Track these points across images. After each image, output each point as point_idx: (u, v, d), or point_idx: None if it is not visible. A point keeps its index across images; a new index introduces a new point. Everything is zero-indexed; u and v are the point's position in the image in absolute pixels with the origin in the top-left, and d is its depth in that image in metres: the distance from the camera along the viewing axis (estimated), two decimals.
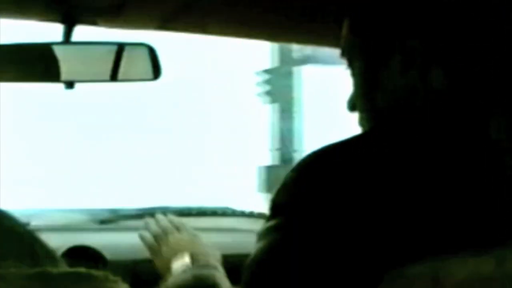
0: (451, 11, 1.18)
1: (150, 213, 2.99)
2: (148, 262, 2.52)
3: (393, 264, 1.08)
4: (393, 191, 1.13)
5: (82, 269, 0.83)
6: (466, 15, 1.18)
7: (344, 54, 1.27)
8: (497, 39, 1.18)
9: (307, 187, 1.16)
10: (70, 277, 0.81)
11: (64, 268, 0.88)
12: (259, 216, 2.84)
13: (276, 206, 1.20)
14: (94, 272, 0.83)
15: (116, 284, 0.84)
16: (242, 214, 2.95)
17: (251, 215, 2.93)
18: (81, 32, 1.98)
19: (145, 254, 2.56)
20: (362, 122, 1.27)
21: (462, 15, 1.18)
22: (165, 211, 2.99)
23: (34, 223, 2.10)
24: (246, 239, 2.59)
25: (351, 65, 1.26)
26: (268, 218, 1.21)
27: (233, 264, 2.50)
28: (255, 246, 1.20)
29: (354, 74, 1.26)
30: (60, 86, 2.04)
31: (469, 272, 1.09)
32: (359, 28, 1.24)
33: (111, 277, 0.84)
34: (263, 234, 1.19)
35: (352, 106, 1.27)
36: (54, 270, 0.82)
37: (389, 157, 1.16)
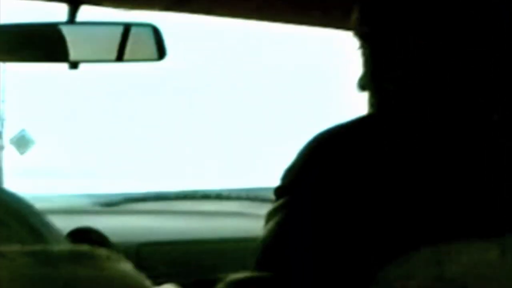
0: (453, 7, 1.18)
1: (154, 197, 3.00)
2: (152, 245, 2.52)
3: (397, 248, 1.08)
4: (396, 173, 1.13)
5: (85, 247, 0.82)
6: (467, 11, 1.18)
7: (355, 35, 1.27)
8: (496, 37, 1.18)
9: (312, 168, 1.17)
10: (71, 254, 0.80)
11: (66, 246, 0.87)
12: (264, 199, 2.83)
13: (282, 188, 1.21)
14: (96, 250, 0.82)
15: (119, 262, 0.83)
16: (247, 198, 2.95)
17: (255, 198, 2.92)
18: (86, 12, 1.97)
19: (149, 237, 2.56)
20: (371, 102, 1.26)
21: (463, 11, 1.18)
22: (168, 195, 2.99)
23: (38, 205, 2.09)
24: (251, 223, 2.59)
25: (361, 46, 1.26)
26: (275, 200, 1.22)
27: (238, 248, 2.51)
28: (264, 228, 1.21)
29: (364, 54, 1.25)
30: (64, 66, 2.04)
31: (473, 257, 1.08)
32: (367, 16, 1.24)
33: (114, 255, 0.83)
34: (270, 215, 1.21)
35: (362, 86, 1.27)
36: (56, 248, 0.81)
37: (392, 141, 1.16)
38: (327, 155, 1.17)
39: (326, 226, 1.14)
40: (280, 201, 1.20)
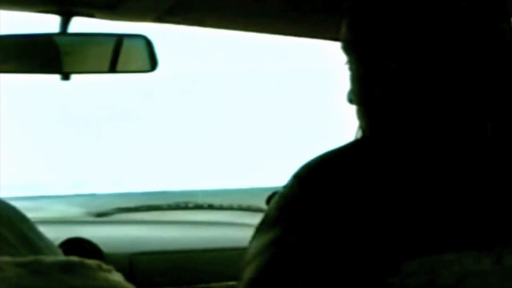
0: (445, 14, 1.18)
1: (146, 207, 2.99)
2: (144, 255, 2.52)
3: (391, 269, 1.08)
4: (390, 198, 1.12)
5: (76, 258, 0.83)
6: (463, 18, 1.18)
7: (343, 48, 1.27)
8: (489, 47, 1.18)
9: (304, 198, 1.14)
10: (63, 265, 0.81)
11: (58, 257, 0.88)
12: (256, 210, 2.83)
13: (273, 217, 1.16)
14: (87, 261, 0.82)
15: (110, 273, 0.83)
16: (239, 208, 2.94)
17: (248, 209, 2.92)
18: (78, 24, 1.98)
19: (142, 247, 2.56)
20: (359, 115, 1.26)
21: (460, 17, 1.18)
22: (161, 205, 2.99)
23: (30, 215, 2.09)
24: (243, 233, 2.59)
25: (348, 60, 1.25)
26: (262, 228, 1.17)
27: (230, 257, 2.51)
28: (250, 262, 1.15)
29: (351, 69, 1.25)
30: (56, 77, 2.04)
31: (466, 267, 1.08)
32: (355, 27, 1.23)
33: (104, 266, 0.83)
34: (259, 251, 1.14)
35: (350, 99, 1.27)
36: (48, 259, 0.82)
37: (385, 164, 1.15)
38: (319, 184, 1.14)
39: (320, 260, 1.11)
40: (271, 234, 1.14)
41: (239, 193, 3.18)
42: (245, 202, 2.90)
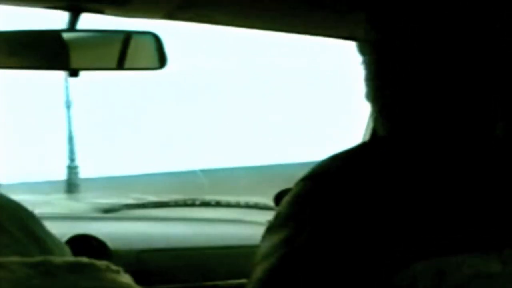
0: (454, 12, 1.18)
1: (153, 204, 3.00)
2: (151, 252, 2.53)
3: (400, 270, 1.08)
4: (400, 199, 1.12)
5: (84, 259, 0.82)
6: (478, 24, 1.18)
7: (358, 48, 1.27)
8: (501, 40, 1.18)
9: (315, 197, 1.14)
10: (71, 266, 0.81)
11: (66, 257, 0.88)
12: (263, 207, 2.84)
13: (283, 216, 1.16)
14: (96, 262, 0.82)
15: (118, 274, 0.83)
16: (246, 206, 2.95)
17: (255, 206, 2.93)
18: (87, 20, 1.98)
19: (149, 243, 2.57)
20: (372, 114, 1.26)
21: (473, 23, 1.18)
22: (168, 202, 3.00)
23: (37, 211, 2.10)
24: (250, 230, 2.59)
25: (363, 60, 1.25)
26: (273, 228, 1.16)
27: (237, 255, 2.51)
28: (260, 262, 1.14)
29: (365, 69, 1.25)
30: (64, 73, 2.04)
31: (476, 269, 1.08)
32: (370, 27, 1.24)
33: (113, 267, 0.83)
34: (269, 251, 1.14)
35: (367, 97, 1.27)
36: (56, 260, 0.82)
37: (396, 164, 1.15)
38: (331, 184, 1.15)
39: (331, 258, 1.10)
40: (281, 234, 1.13)
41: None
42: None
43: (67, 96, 11.48)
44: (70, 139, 11.70)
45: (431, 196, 1.12)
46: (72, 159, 11.64)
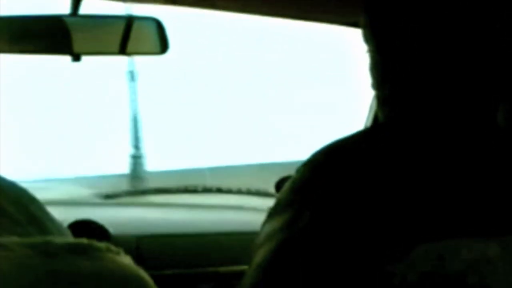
0: (464, 15, 1.18)
1: (155, 190, 3.01)
2: (151, 238, 2.53)
3: (400, 245, 1.08)
4: (400, 184, 1.12)
5: (85, 240, 0.83)
6: (480, 20, 1.18)
7: (363, 36, 1.27)
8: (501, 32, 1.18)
9: (316, 182, 1.14)
10: (71, 247, 0.81)
11: (66, 238, 0.88)
12: (265, 194, 2.84)
13: (284, 201, 1.16)
14: (96, 243, 0.82)
15: (118, 255, 0.83)
16: (248, 192, 2.95)
17: (257, 193, 2.93)
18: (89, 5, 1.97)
19: (149, 229, 2.57)
20: (376, 101, 1.26)
21: (475, 20, 1.18)
22: (169, 188, 3.00)
23: (39, 196, 2.10)
24: (251, 216, 2.59)
25: (368, 48, 1.25)
26: (274, 213, 1.17)
27: (238, 241, 2.51)
28: (260, 247, 1.14)
29: (369, 57, 1.25)
30: (67, 58, 2.04)
31: (474, 254, 1.08)
32: (373, 16, 1.24)
33: (113, 248, 0.83)
34: (270, 235, 1.14)
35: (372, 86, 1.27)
36: (57, 240, 0.82)
37: (396, 151, 1.15)
38: (332, 170, 1.14)
39: (331, 244, 1.10)
40: (281, 218, 1.13)
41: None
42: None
43: (131, 65, 8.67)
44: (135, 121, 9.05)
45: (431, 181, 1.12)
46: (137, 146, 9.15)
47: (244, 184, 2.99)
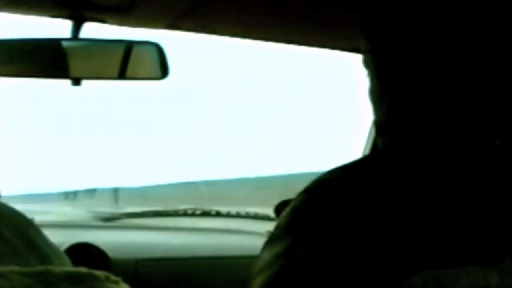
0: (452, 22, 1.18)
1: (153, 213, 3.00)
2: (150, 261, 2.52)
3: (399, 273, 1.08)
4: (398, 212, 1.12)
5: (84, 269, 0.82)
6: (480, 34, 1.18)
7: (363, 62, 1.27)
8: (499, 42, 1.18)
9: (314, 210, 1.14)
10: (71, 276, 0.81)
11: (66, 267, 0.88)
12: (263, 218, 2.83)
13: (283, 229, 1.16)
14: (95, 272, 0.82)
15: (117, 285, 0.83)
16: (246, 216, 2.95)
17: (256, 217, 2.93)
18: (90, 29, 1.98)
19: (148, 253, 2.56)
20: (375, 126, 1.27)
21: (474, 34, 1.18)
22: (168, 211, 3.00)
23: (37, 219, 2.10)
24: (250, 240, 2.59)
25: (368, 74, 1.26)
26: (272, 240, 1.16)
27: (237, 265, 2.51)
28: (258, 274, 1.14)
29: (368, 81, 1.25)
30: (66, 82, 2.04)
31: (473, 281, 1.08)
32: (371, 40, 1.24)
33: (112, 277, 0.83)
34: (268, 263, 1.14)
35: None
36: (56, 269, 0.81)
37: (394, 179, 1.15)
38: (331, 198, 1.15)
39: (329, 273, 1.10)
40: (280, 246, 1.13)
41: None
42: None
43: None
44: None
45: (429, 209, 1.12)
46: None
47: (240, 198, 2.98)
